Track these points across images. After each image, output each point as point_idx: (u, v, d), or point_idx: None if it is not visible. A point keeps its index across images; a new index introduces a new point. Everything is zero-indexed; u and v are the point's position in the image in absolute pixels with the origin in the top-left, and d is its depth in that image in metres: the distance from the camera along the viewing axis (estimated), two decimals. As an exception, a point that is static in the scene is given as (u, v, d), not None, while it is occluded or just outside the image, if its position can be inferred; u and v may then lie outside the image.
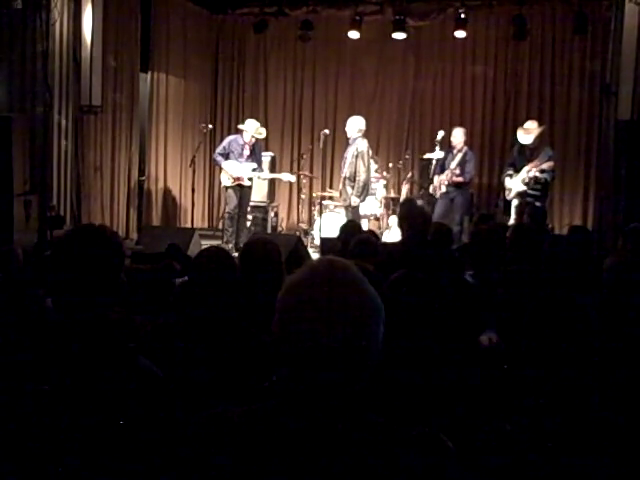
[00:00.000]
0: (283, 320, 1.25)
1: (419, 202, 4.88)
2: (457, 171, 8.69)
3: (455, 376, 2.32)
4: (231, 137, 9.23)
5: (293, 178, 9.84)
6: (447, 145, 9.04)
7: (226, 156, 8.91)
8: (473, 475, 1.73)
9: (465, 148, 8.87)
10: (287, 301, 1.26)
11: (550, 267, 3.83)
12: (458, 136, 8.89)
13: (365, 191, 8.38)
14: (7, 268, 4.26)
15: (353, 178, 8.28)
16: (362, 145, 8.31)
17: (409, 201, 5.50)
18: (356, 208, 8.41)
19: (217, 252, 2.68)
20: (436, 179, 8.91)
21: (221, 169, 9.08)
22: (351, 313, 1.22)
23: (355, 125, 8.44)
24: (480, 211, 9.41)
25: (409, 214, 4.70)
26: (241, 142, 8.95)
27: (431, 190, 8.95)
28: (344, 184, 8.43)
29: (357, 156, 8.24)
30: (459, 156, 8.79)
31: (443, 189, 8.74)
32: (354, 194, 8.28)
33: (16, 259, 4.44)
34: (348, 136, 8.55)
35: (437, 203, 8.73)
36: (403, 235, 4.79)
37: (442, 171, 8.86)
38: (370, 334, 1.24)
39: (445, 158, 8.90)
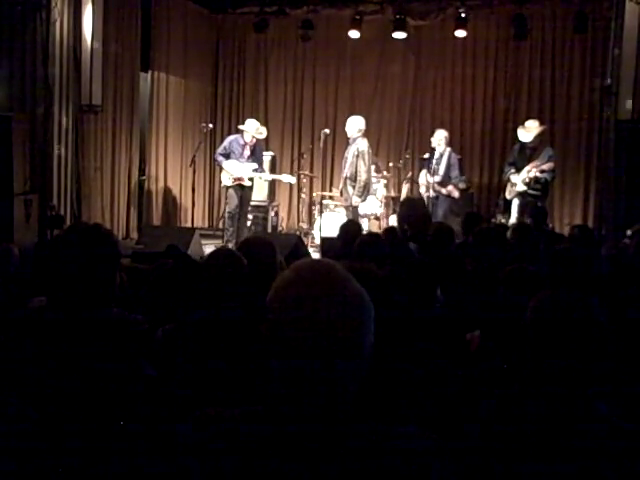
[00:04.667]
0: (272, 322, 1.25)
1: (418, 201, 4.87)
2: (439, 179, 8.69)
3: (449, 374, 2.32)
4: (232, 137, 9.22)
5: (294, 180, 9.83)
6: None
7: (227, 156, 8.90)
8: (467, 474, 1.73)
9: (447, 150, 8.84)
10: (275, 303, 1.26)
11: (552, 266, 3.81)
12: (439, 138, 8.86)
13: (366, 191, 8.38)
14: (4, 267, 4.26)
15: (354, 178, 8.28)
16: (363, 145, 8.31)
17: (409, 200, 5.50)
18: (357, 208, 8.41)
19: (228, 254, 2.69)
20: (422, 178, 8.93)
21: (222, 169, 9.08)
22: (339, 313, 1.22)
23: (355, 125, 8.43)
24: (480, 211, 9.42)
25: (409, 213, 4.69)
26: (242, 142, 8.95)
27: (422, 190, 8.92)
28: (345, 184, 8.43)
29: (358, 156, 8.24)
30: (444, 161, 8.77)
31: (432, 194, 8.70)
32: (355, 194, 8.28)
33: (13, 258, 4.44)
34: (348, 136, 8.54)
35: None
36: (403, 234, 4.78)
37: (428, 170, 8.86)
38: (360, 333, 1.24)
39: (429, 159, 8.89)
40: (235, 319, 2.48)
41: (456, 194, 8.74)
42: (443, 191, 8.69)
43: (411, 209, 4.69)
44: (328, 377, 1.22)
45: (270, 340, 1.25)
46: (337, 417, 1.23)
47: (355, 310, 1.24)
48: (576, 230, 5.74)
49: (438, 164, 8.77)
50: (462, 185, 9.46)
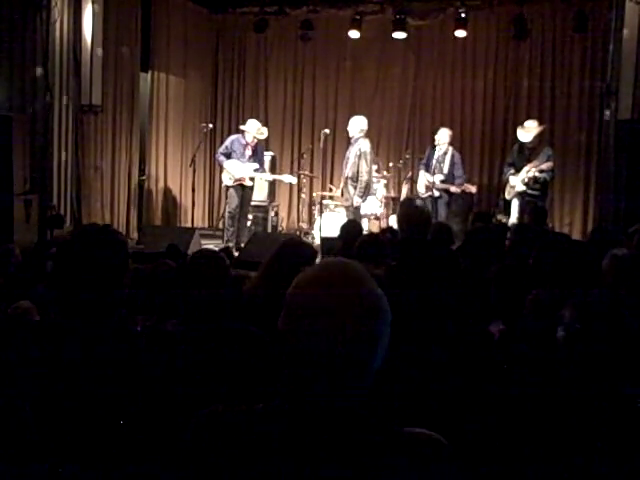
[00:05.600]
0: (289, 317, 1.25)
1: (418, 202, 4.85)
2: (442, 177, 8.69)
3: (457, 379, 2.32)
4: (233, 136, 9.21)
5: (294, 180, 9.82)
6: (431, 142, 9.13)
7: (228, 155, 8.90)
8: (472, 476, 1.73)
9: (450, 149, 8.87)
10: (295, 298, 1.26)
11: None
12: (443, 136, 8.89)
13: (367, 191, 8.39)
14: (5, 267, 4.27)
15: (356, 178, 8.28)
16: (365, 145, 8.31)
17: (408, 200, 5.48)
18: (358, 208, 8.41)
19: (210, 255, 2.69)
20: (421, 177, 8.93)
21: (222, 168, 9.08)
22: (358, 314, 1.22)
23: (357, 125, 8.44)
24: (480, 210, 9.41)
25: (408, 214, 4.68)
26: (243, 142, 8.95)
27: (421, 191, 8.92)
28: (346, 184, 8.42)
29: (360, 156, 8.24)
30: (447, 159, 8.79)
31: (436, 193, 8.70)
32: (356, 194, 8.28)
33: (14, 258, 4.45)
34: (350, 136, 8.55)
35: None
36: (403, 235, 4.77)
37: (427, 170, 8.88)
38: (376, 336, 1.24)
39: (429, 156, 8.91)
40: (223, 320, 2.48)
41: (473, 189, 8.77)
42: (452, 189, 8.69)
43: (410, 209, 4.67)
44: (339, 378, 1.22)
45: (284, 335, 1.25)
46: (348, 416, 1.23)
47: (373, 314, 1.24)
48: (595, 232, 5.75)
49: (441, 162, 8.78)
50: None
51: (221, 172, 9.28)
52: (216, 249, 3.61)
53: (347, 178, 8.39)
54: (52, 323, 1.96)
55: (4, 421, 1.62)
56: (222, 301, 2.50)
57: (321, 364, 1.21)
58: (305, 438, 1.22)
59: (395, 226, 8.58)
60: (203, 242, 8.30)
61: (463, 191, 8.74)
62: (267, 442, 1.23)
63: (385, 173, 9.80)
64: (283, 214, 11.07)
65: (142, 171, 10.36)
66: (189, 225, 10.60)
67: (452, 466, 1.27)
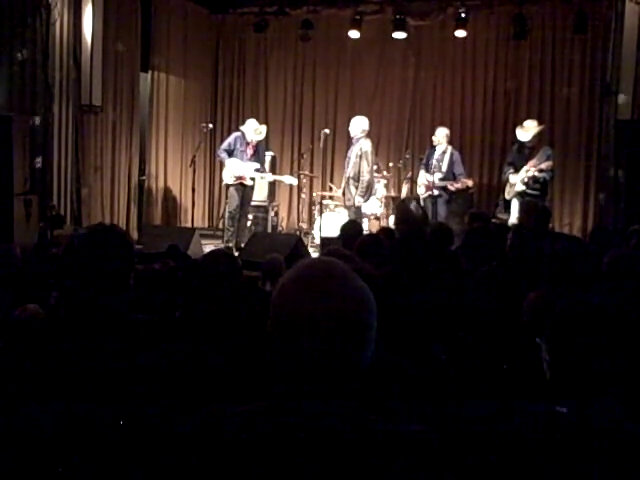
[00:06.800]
0: (277, 319, 1.26)
1: (413, 204, 4.85)
2: (441, 176, 8.70)
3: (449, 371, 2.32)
4: (237, 133, 9.18)
5: (295, 181, 9.82)
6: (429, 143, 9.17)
7: (230, 153, 8.89)
8: (468, 473, 1.73)
9: (449, 148, 8.88)
10: (278, 301, 1.26)
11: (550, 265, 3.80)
12: (441, 135, 8.91)
13: (369, 191, 8.40)
14: (5, 267, 4.27)
15: (357, 178, 8.29)
16: (366, 145, 8.32)
17: (403, 202, 5.49)
18: (359, 208, 8.42)
19: (222, 255, 2.69)
20: (421, 177, 8.94)
21: (222, 166, 9.07)
22: (341, 309, 1.22)
23: (359, 125, 8.45)
24: (480, 210, 9.41)
25: (406, 214, 4.69)
26: (245, 141, 8.94)
27: (421, 192, 8.92)
28: (348, 184, 8.43)
29: (361, 156, 8.25)
30: (446, 158, 8.80)
31: (435, 192, 8.71)
32: (358, 194, 8.29)
33: (15, 258, 4.45)
34: (352, 136, 8.56)
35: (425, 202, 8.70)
36: (400, 236, 4.77)
37: (426, 170, 8.89)
38: (365, 331, 1.24)
39: (428, 156, 8.93)
40: (231, 318, 2.48)
41: (469, 182, 8.78)
42: (450, 186, 8.68)
43: (405, 212, 4.68)
44: (330, 374, 1.22)
45: (273, 337, 1.26)
46: (339, 414, 1.24)
47: (356, 306, 1.25)
48: (594, 231, 5.76)
49: (440, 161, 8.79)
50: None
51: (221, 172, 9.28)
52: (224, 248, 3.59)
53: (349, 178, 8.40)
54: (57, 321, 1.96)
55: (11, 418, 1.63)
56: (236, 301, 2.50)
57: (313, 364, 1.21)
58: (302, 436, 1.22)
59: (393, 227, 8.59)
60: (203, 242, 8.31)
61: (462, 188, 8.72)
62: (264, 441, 1.23)
63: (385, 173, 9.80)
64: (283, 214, 11.07)
65: (142, 171, 10.36)
66: (189, 225, 10.60)
67: (444, 461, 1.27)
